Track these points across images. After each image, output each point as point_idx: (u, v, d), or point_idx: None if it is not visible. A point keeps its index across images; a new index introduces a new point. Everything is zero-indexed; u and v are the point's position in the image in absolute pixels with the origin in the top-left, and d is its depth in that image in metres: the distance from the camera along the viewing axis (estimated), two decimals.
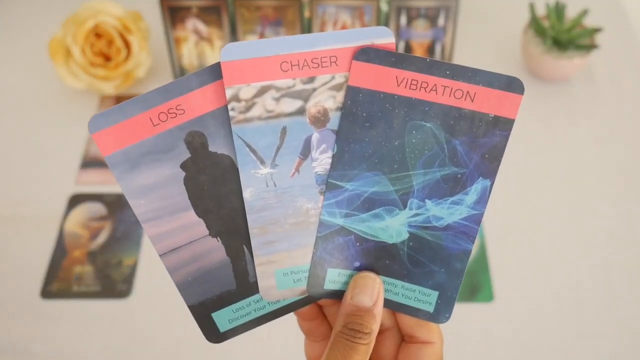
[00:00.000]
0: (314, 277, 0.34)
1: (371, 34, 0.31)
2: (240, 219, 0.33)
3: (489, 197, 0.33)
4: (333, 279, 0.34)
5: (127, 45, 0.85)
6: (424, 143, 0.32)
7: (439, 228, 0.33)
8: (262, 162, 0.32)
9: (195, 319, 0.34)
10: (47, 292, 0.70)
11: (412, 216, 0.33)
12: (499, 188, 0.78)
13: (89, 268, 0.72)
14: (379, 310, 0.33)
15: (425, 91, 0.31)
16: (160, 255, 0.33)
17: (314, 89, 0.32)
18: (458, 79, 0.31)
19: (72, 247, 0.74)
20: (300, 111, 0.32)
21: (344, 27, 0.82)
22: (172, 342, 0.67)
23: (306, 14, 0.83)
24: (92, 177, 0.81)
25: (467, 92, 0.31)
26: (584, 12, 0.86)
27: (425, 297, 0.34)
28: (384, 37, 0.31)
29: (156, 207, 0.32)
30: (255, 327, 0.35)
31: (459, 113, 0.31)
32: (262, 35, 0.84)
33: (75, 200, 0.78)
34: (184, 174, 0.32)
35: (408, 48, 0.84)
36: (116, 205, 0.77)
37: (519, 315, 0.68)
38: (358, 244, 0.34)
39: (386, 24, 0.82)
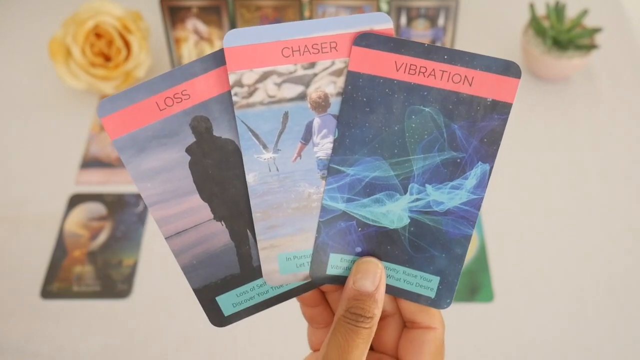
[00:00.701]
0: (316, 262, 0.34)
1: (370, 20, 0.31)
2: (244, 203, 0.34)
3: (488, 181, 0.33)
4: (335, 264, 0.34)
5: (127, 45, 0.85)
6: (424, 128, 0.32)
7: (439, 213, 0.33)
8: (265, 146, 0.33)
9: (200, 302, 0.35)
10: (47, 292, 0.70)
11: (413, 201, 0.33)
12: (499, 188, 0.79)
13: (89, 268, 0.72)
14: (381, 295, 0.33)
15: (424, 76, 0.31)
16: (165, 238, 0.33)
17: (315, 75, 0.32)
18: (456, 63, 0.31)
19: (72, 247, 0.74)
20: (302, 96, 0.32)
21: None
22: (172, 342, 0.67)
23: (306, 14, 0.83)
24: (92, 177, 0.80)
25: (465, 76, 0.31)
26: (584, 12, 0.86)
27: (426, 283, 0.34)
28: (383, 23, 0.31)
29: (162, 190, 0.33)
30: (258, 311, 0.35)
31: (457, 97, 0.32)
32: None
33: (75, 200, 0.78)
34: (189, 158, 0.32)
35: None
36: (116, 205, 0.77)
37: (519, 315, 0.68)
38: (360, 229, 0.34)
39: None
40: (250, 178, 0.33)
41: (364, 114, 0.32)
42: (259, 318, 0.69)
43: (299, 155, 0.33)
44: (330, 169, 0.33)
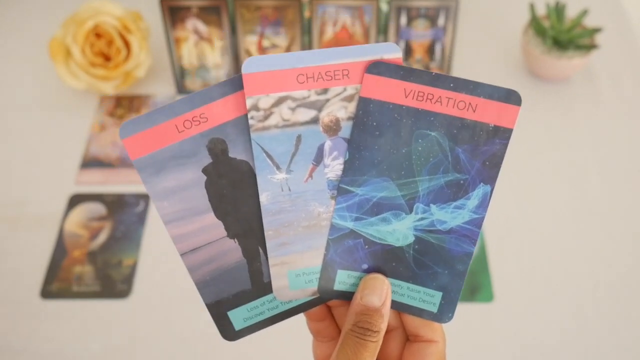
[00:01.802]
0: (324, 279, 0.36)
1: (380, 50, 0.33)
2: (256, 221, 0.35)
3: (489, 201, 0.35)
4: (342, 280, 0.36)
5: (127, 45, 0.85)
6: (430, 151, 0.34)
7: (443, 231, 0.35)
8: (278, 167, 0.35)
9: (212, 317, 0.36)
10: (47, 292, 0.70)
11: (418, 220, 0.35)
12: (499, 188, 0.78)
13: (89, 268, 0.72)
14: (387, 310, 0.34)
15: (431, 102, 0.33)
16: (181, 255, 0.35)
17: (327, 100, 0.34)
18: (461, 91, 0.33)
19: (72, 247, 0.74)
20: (314, 120, 0.34)
21: (343, 28, 0.83)
22: (172, 342, 0.67)
23: (306, 14, 0.83)
24: (92, 177, 0.81)
25: (469, 103, 0.33)
26: (584, 12, 0.86)
27: (429, 298, 0.36)
28: (393, 53, 0.33)
29: (179, 209, 0.34)
30: (268, 326, 0.36)
31: (461, 123, 0.34)
32: (261, 35, 0.84)
33: (75, 200, 0.78)
34: (205, 178, 0.34)
35: (408, 48, 0.84)
36: (116, 205, 0.77)
37: (519, 315, 0.68)
38: (367, 246, 0.35)
39: (386, 24, 0.82)
40: (263, 197, 0.35)
41: (374, 137, 0.34)
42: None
43: (311, 176, 0.35)
44: (340, 189, 0.35)
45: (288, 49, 0.85)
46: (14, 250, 0.74)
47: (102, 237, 0.75)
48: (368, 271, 0.36)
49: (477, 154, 0.34)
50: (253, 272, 0.36)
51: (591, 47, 0.85)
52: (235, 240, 0.35)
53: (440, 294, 0.35)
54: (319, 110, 0.34)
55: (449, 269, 0.35)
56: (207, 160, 0.34)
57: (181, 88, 0.89)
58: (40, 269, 0.72)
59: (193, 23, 0.83)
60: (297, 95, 0.34)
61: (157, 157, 0.33)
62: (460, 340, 0.66)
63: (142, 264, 0.72)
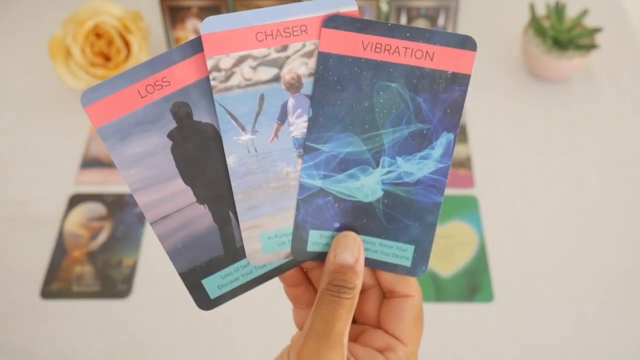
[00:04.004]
0: (297, 240, 0.35)
1: (336, 3, 0.33)
2: (225, 185, 0.34)
3: (453, 150, 0.34)
4: (315, 240, 0.35)
5: (127, 45, 0.85)
6: (391, 102, 0.34)
7: (410, 183, 0.35)
8: (243, 128, 0.34)
9: (186, 286, 0.35)
10: (47, 292, 0.70)
11: (385, 174, 0.35)
12: (499, 188, 0.79)
13: (89, 268, 0.72)
14: (361, 267, 0.34)
15: (389, 53, 0.33)
16: (151, 224, 0.34)
17: (288, 57, 0.34)
18: (418, 40, 0.33)
19: (72, 247, 0.74)
20: (276, 78, 0.34)
21: None
22: (172, 342, 0.67)
23: None
24: (92, 177, 0.81)
25: (427, 52, 0.33)
26: (584, 12, 0.86)
27: (402, 252, 0.36)
28: (349, 6, 0.33)
29: (146, 176, 0.34)
30: (243, 292, 0.36)
31: (420, 72, 0.34)
32: None
33: (75, 200, 0.78)
34: (171, 143, 0.33)
35: None
36: (116, 205, 0.77)
37: (519, 315, 0.68)
38: (337, 204, 0.35)
39: None
40: (230, 160, 0.34)
41: (335, 92, 0.34)
42: (258, 318, 0.69)
43: (276, 135, 0.34)
44: (306, 147, 0.35)
45: None
46: (14, 250, 0.74)
47: (102, 237, 0.75)
48: (339, 229, 0.35)
49: (438, 102, 0.34)
50: (225, 237, 0.35)
51: (591, 47, 0.85)
52: (205, 205, 0.35)
53: (413, 247, 0.35)
54: (280, 67, 0.34)
55: (418, 221, 0.35)
56: (171, 124, 0.33)
57: None
58: (40, 269, 0.72)
59: (193, 23, 0.83)
60: (257, 54, 0.33)
61: (121, 124, 0.33)
62: (460, 340, 0.66)
63: (142, 264, 0.72)
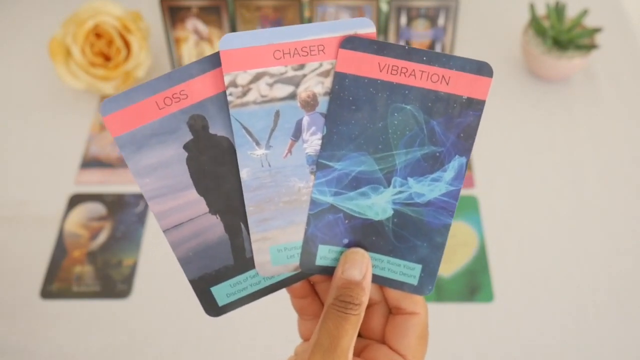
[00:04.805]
0: (306, 254, 0.36)
1: (354, 25, 0.34)
2: (237, 197, 0.35)
3: (464, 173, 0.35)
4: (324, 255, 0.36)
5: (127, 45, 0.85)
6: (405, 124, 0.35)
7: (421, 204, 0.35)
8: (258, 143, 0.35)
9: (196, 293, 0.36)
10: (47, 292, 0.70)
11: (396, 194, 0.36)
12: (499, 188, 0.79)
13: (89, 268, 0.72)
14: (368, 283, 0.35)
15: (405, 76, 0.34)
16: (164, 231, 0.35)
17: (304, 75, 0.35)
18: (434, 64, 0.34)
19: (72, 247, 0.74)
20: (292, 96, 0.35)
21: None
22: (172, 342, 0.67)
23: (306, 14, 0.83)
24: (92, 177, 0.81)
25: (443, 76, 0.34)
26: (584, 12, 0.86)
27: (409, 271, 0.36)
28: (366, 28, 0.34)
29: (160, 185, 0.35)
30: (251, 301, 0.37)
31: (435, 96, 0.34)
32: None
33: (75, 200, 0.78)
34: (186, 154, 0.34)
35: None
36: (116, 205, 0.77)
37: (519, 315, 0.68)
38: (347, 221, 0.36)
39: (386, 24, 0.82)
40: (243, 173, 0.35)
41: (350, 112, 0.35)
42: (259, 318, 0.69)
43: (290, 151, 0.35)
44: (318, 164, 0.35)
45: None
46: (14, 250, 0.74)
47: (102, 237, 0.75)
48: (349, 245, 0.36)
49: (452, 126, 0.35)
50: (235, 247, 0.36)
51: (591, 47, 0.85)
52: (217, 216, 0.36)
53: (420, 266, 0.36)
54: (296, 85, 0.35)
55: (427, 241, 0.36)
56: (188, 136, 0.34)
57: None
58: (40, 269, 0.72)
59: (193, 23, 0.83)
60: (274, 71, 0.34)
61: (138, 134, 0.34)
62: (460, 340, 0.66)
63: (142, 264, 0.72)
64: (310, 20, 0.82)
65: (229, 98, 0.34)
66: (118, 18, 0.83)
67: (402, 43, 0.83)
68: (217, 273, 0.36)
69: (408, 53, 0.34)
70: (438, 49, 0.83)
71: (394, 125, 0.35)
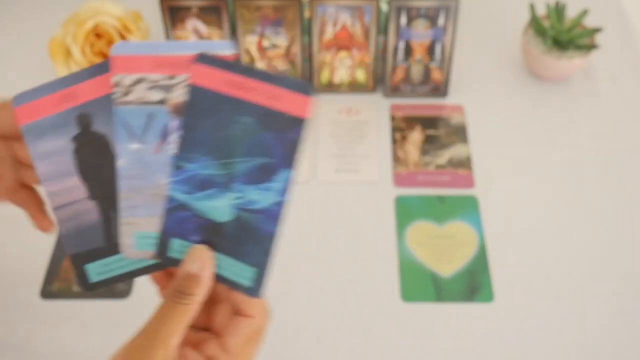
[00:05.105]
0: (161, 244, 0.40)
1: (218, 46, 0.39)
2: (113, 187, 0.40)
3: (292, 185, 0.38)
4: (176, 248, 0.40)
5: None
6: (244, 135, 0.38)
7: (255, 211, 0.39)
8: (134, 138, 0.40)
9: (73, 267, 0.42)
10: (47, 292, 0.70)
11: (235, 199, 0.39)
12: (499, 188, 0.79)
13: None
14: (206, 278, 0.38)
15: (245, 91, 0.38)
16: (52, 210, 0.41)
17: (175, 85, 0.40)
18: (269, 82, 0.38)
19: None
20: (163, 101, 0.40)
21: (344, 28, 0.83)
22: None
23: (306, 14, 0.83)
24: None
25: (275, 94, 0.38)
26: (584, 12, 0.86)
27: (245, 273, 0.39)
28: (228, 49, 0.39)
29: (52, 169, 0.41)
30: (118, 282, 0.42)
31: (269, 111, 0.38)
32: (261, 35, 0.84)
33: None
34: (73, 145, 0.41)
35: (408, 48, 0.84)
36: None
37: (519, 315, 0.68)
38: (196, 219, 0.40)
39: (386, 24, 0.82)
40: (120, 162, 0.40)
41: (200, 120, 0.39)
42: None
43: (158, 150, 0.40)
44: (174, 164, 0.40)
45: (288, 49, 0.85)
46: (14, 250, 0.74)
47: None
48: (197, 242, 0.40)
49: (282, 140, 0.38)
50: (108, 232, 0.41)
51: (591, 47, 0.85)
52: (95, 202, 0.41)
53: (255, 270, 0.39)
54: (168, 92, 0.39)
55: (259, 246, 0.39)
56: (75, 131, 0.40)
57: None
58: (40, 269, 0.72)
59: (193, 23, 0.83)
60: (152, 78, 0.39)
61: (39, 125, 0.40)
62: (460, 340, 0.66)
63: None
64: (310, 20, 0.82)
65: (114, 96, 0.39)
66: (118, 18, 0.83)
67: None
68: (91, 252, 0.41)
69: (248, 71, 0.38)
70: (438, 49, 0.83)
71: (235, 135, 0.38)
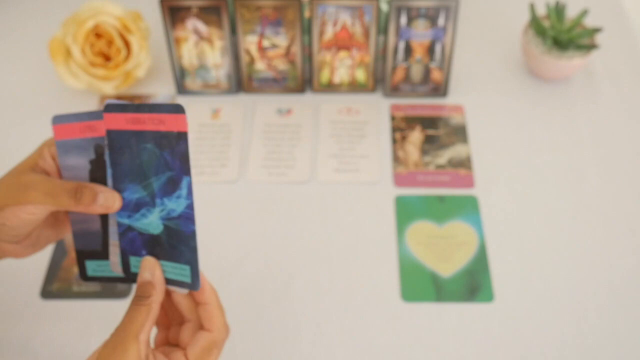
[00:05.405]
0: (124, 263, 0.49)
1: (167, 109, 0.46)
2: None
3: (191, 188, 0.46)
4: (134, 264, 0.49)
5: (127, 45, 0.85)
6: (151, 158, 0.46)
7: (176, 217, 0.47)
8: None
9: (76, 259, 0.51)
10: (47, 292, 0.70)
11: (160, 211, 0.47)
12: (499, 188, 0.79)
13: None
14: (157, 281, 0.47)
15: (141, 124, 0.46)
16: (68, 213, 0.51)
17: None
18: (153, 112, 0.46)
19: (72, 247, 0.74)
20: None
21: (344, 28, 0.83)
22: None
23: (306, 14, 0.83)
24: None
25: (160, 119, 0.46)
26: (584, 12, 0.86)
27: (183, 272, 0.47)
28: (180, 113, 0.46)
29: (72, 179, 0.50)
30: (109, 282, 0.53)
31: (160, 134, 0.46)
32: (261, 35, 0.84)
33: None
34: (89, 167, 0.50)
35: (408, 48, 0.84)
36: None
37: (519, 315, 0.68)
38: (140, 236, 0.48)
39: (386, 24, 0.82)
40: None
41: (119, 155, 0.47)
42: (258, 321, 0.69)
43: None
44: None
45: (288, 49, 0.85)
46: None
47: None
48: (145, 255, 0.48)
49: (175, 154, 0.46)
50: (105, 240, 0.50)
51: (591, 47, 0.85)
52: (99, 214, 0.50)
53: (189, 267, 0.47)
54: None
55: (186, 246, 0.47)
56: (92, 155, 0.49)
57: (181, 88, 0.89)
58: (40, 269, 0.72)
59: (193, 23, 0.83)
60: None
61: (68, 144, 0.50)
62: (460, 340, 0.66)
63: None
64: (310, 21, 0.82)
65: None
66: (118, 18, 0.83)
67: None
68: (91, 252, 0.51)
69: (138, 108, 0.46)
70: (438, 49, 0.83)
71: (145, 160, 0.46)
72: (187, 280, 0.47)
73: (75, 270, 0.72)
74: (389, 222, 0.76)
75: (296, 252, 0.73)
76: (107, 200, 0.47)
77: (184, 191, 0.46)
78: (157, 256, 0.48)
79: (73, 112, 0.50)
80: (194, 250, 0.47)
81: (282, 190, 0.79)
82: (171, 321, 0.52)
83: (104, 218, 0.50)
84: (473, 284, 0.70)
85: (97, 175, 0.49)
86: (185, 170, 0.46)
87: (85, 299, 0.70)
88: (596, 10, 0.92)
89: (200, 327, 0.49)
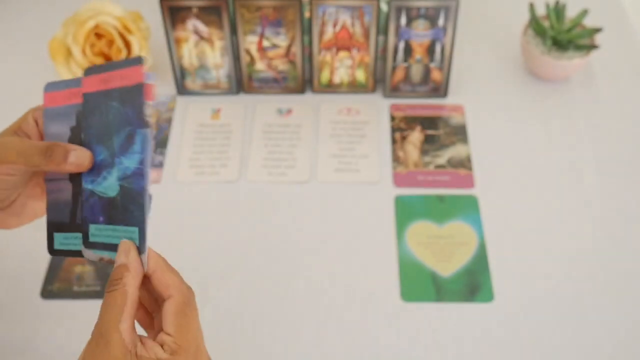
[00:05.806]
0: (84, 234, 0.47)
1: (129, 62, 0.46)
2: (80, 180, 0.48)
3: (148, 142, 0.44)
4: (93, 232, 0.46)
5: (127, 45, 0.85)
6: (115, 115, 0.45)
7: (129, 175, 0.44)
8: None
9: (47, 231, 0.50)
10: (47, 292, 0.70)
11: (118, 171, 0.45)
12: (499, 188, 0.79)
13: (90, 268, 0.72)
14: (132, 263, 0.43)
15: (108, 83, 0.46)
16: (45, 180, 0.50)
17: None
18: (117, 69, 0.45)
19: None
20: None
21: (344, 28, 0.83)
22: None
23: (306, 14, 0.83)
24: None
25: (122, 75, 0.45)
26: (584, 12, 0.86)
27: (132, 235, 0.44)
28: (139, 64, 0.45)
29: None
30: (73, 256, 0.49)
31: (125, 90, 0.45)
32: (261, 35, 0.84)
33: None
34: (69, 134, 0.49)
35: (408, 48, 0.84)
36: None
37: (519, 315, 0.68)
38: (100, 202, 0.46)
39: (386, 24, 0.82)
40: None
41: (91, 117, 0.46)
42: (258, 319, 0.69)
43: None
44: None
45: (288, 49, 0.85)
46: (14, 250, 0.74)
47: None
48: (103, 222, 0.46)
49: (134, 107, 0.44)
50: (72, 212, 0.49)
51: (591, 47, 0.85)
52: (72, 184, 0.48)
53: (137, 229, 0.44)
54: None
55: (136, 205, 0.44)
56: (74, 122, 0.48)
57: (181, 88, 0.89)
58: (40, 269, 0.72)
59: (193, 23, 0.83)
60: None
61: (54, 111, 0.49)
62: (460, 340, 0.66)
63: None
64: (309, 20, 0.82)
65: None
66: (118, 18, 0.83)
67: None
68: (59, 224, 0.49)
69: (107, 67, 0.46)
70: (438, 49, 0.83)
71: (111, 119, 0.45)
72: (136, 244, 0.44)
73: (78, 270, 0.72)
74: (388, 222, 0.76)
75: (296, 252, 0.73)
76: (79, 157, 0.46)
77: (138, 145, 0.44)
78: (113, 221, 0.45)
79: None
80: (142, 208, 0.44)
81: (282, 190, 0.79)
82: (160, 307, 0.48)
83: (76, 187, 0.48)
84: (473, 284, 0.70)
85: (75, 142, 0.48)
86: (140, 122, 0.44)
87: (85, 299, 0.70)
88: (596, 10, 0.92)
89: (161, 300, 0.45)
